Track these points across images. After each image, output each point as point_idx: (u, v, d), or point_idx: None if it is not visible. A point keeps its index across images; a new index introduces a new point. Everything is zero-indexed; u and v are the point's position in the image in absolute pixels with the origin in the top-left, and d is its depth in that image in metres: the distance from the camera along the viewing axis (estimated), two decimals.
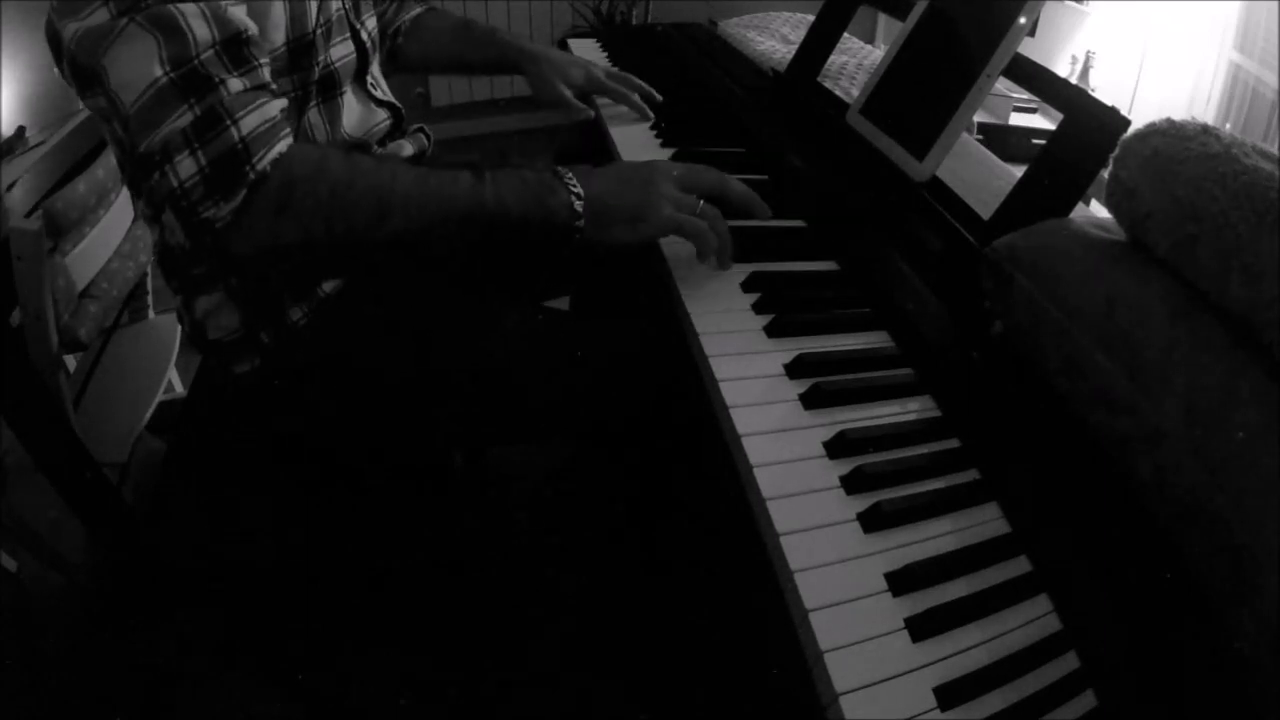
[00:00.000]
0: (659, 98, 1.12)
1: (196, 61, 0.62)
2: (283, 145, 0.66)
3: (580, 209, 0.71)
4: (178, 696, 1.08)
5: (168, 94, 0.61)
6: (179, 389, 1.49)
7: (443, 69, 1.19)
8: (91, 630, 1.19)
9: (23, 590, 1.23)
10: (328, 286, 0.81)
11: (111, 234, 1.20)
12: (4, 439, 0.90)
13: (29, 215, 0.97)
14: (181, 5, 0.62)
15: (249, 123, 0.64)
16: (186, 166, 0.62)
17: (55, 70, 0.68)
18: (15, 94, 1.60)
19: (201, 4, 0.63)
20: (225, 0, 0.64)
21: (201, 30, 0.62)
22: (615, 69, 1.17)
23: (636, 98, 1.11)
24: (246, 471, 0.85)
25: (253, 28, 0.66)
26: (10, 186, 1.00)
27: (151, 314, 1.44)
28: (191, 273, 0.79)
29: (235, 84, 0.64)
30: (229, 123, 0.63)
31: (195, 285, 0.80)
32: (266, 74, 0.68)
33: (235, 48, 0.65)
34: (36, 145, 1.21)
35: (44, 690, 1.12)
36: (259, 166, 0.64)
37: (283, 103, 0.68)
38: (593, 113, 1.11)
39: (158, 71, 0.61)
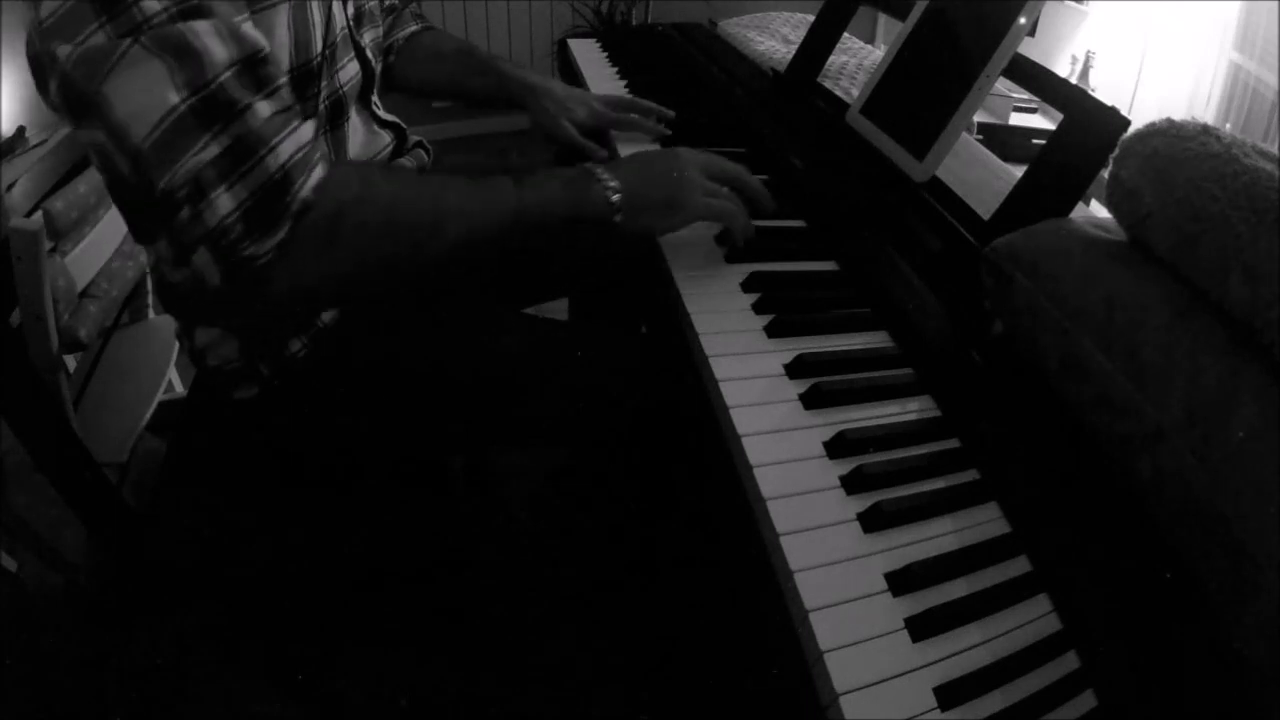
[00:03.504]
0: (671, 114, 1.06)
1: (216, 85, 0.56)
2: (320, 171, 0.62)
3: (616, 201, 0.72)
4: (178, 696, 1.08)
5: (187, 123, 0.55)
6: (179, 389, 1.50)
7: (437, 94, 1.12)
8: (91, 630, 1.19)
9: (23, 590, 1.23)
10: (326, 317, 0.79)
11: (111, 234, 1.20)
12: (4, 439, 0.89)
13: (29, 215, 0.97)
14: (193, 23, 0.55)
15: (285, 149, 0.59)
16: (224, 203, 0.57)
17: (41, 95, 0.60)
18: (15, 94, 1.60)
19: (215, 21, 0.56)
20: (239, 16, 0.59)
21: (218, 50, 0.56)
22: (624, 96, 1.10)
23: (651, 122, 1.05)
24: (247, 472, 0.85)
25: (267, 45, 0.61)
26: (10, 186, 1.00)
27: (151, 314, 1.44)
28: (190, 306, 0.77)
29: (263, 108, 0.58)
30: (264, 151, 0.58)
31: (194, 317, 0.77)
32: (289, 94, 0.63)
33: (255, 68, 0.59)
34: (36, 145, 1.22)
35: (44, 689, 1.12)
36: (301, 195, 0.60)
37: (313, 124, 0.64)
38: (605, 153, 1.02)
39: (174, 99, 0.55)
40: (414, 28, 1.09)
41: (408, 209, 0.66)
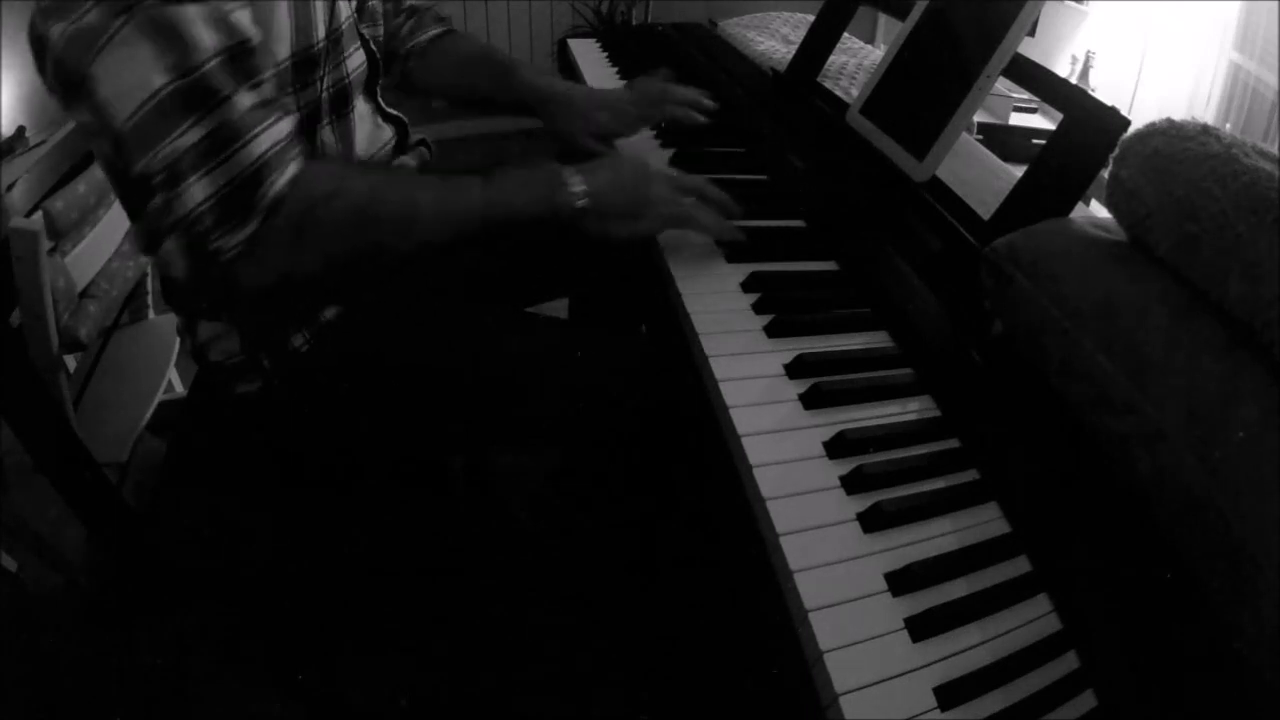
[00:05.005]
0: (708, 103, 1.00)
1: (200, 72, 0.57)
2: (295, 167, 0.62)
3: (581, 206, 0.74)
4: (178, 696, 1.08)
5: (170, 107, 0.56)
6: (179, 389, 1.49)
7: (456, 100, 1.08)
8: (91, 630, 1.19)
9: (23, 590, 1.23)
10: (329, 313, 0.79)
11: (111, 234, 1.20)
12: (4, 439, 0.89)
13: (29, 215, 0.97)
14: (185, 7, 0.56)
15: (262, 143, 0.59)
16: (196, 192, 0.57)
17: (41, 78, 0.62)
18: (15, 94, 1.60)
19: (207, 6, 0.57)
20: (230, 4, 0.59)
21: (207, 37, 0.57)
22: (657, 86, 1.02)
23: (683, 110, 0.99)
24: (247, 472, 0.85)
25: (258, 36, 0.62)
26: (10, 186, 1.00)
27: (151, 314, 1.44)
28: (194, 298, 0.77)
29: (245, 98, 0.59)
30: (241, 143, 0.58)
31: (198, 311, 0.78)
32: (273, 88, 0.63)
33: (243, 58, 0.59)
34: (36, 145, 1.22)
35: (44, 689, 1.12)
36: (273, 191, 0.60)
37: (294, 119, 0.64)
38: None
39: (158, 81, 0.55)
40: (435, 31, 1.05)
41: (379, 208, 0.67)
